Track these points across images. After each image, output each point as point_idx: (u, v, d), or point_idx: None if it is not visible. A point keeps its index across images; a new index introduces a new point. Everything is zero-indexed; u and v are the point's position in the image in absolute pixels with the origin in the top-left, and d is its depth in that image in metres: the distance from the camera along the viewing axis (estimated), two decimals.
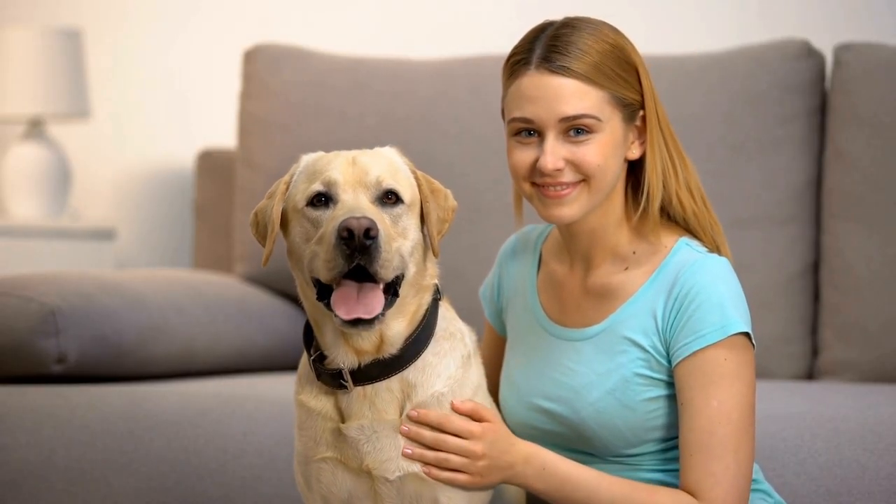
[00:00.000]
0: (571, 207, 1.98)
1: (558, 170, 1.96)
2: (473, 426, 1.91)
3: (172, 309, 2.96)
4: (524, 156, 1.99)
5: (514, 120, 1.99)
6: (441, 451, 1.90)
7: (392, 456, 1.89)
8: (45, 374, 2.76)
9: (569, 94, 1.95)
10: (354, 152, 1.91)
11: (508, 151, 2.01)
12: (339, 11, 4.00)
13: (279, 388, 2.69)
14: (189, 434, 2.64)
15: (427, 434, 1.90)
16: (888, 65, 2.99)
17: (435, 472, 1.90)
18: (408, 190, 1.90)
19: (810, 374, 3.01)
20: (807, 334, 3.01)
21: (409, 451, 1.89)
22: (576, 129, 1.96)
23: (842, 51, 3.04)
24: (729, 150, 3.04)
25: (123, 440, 2.67)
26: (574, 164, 1.96)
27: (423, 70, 3.35)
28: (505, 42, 3.85)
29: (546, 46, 1.97)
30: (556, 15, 2.02)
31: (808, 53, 3.08)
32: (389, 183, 1.88)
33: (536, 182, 1.99)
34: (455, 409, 1.91)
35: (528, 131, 1.98)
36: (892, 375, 2.89)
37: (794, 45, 3.08)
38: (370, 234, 1.79)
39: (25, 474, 2.70)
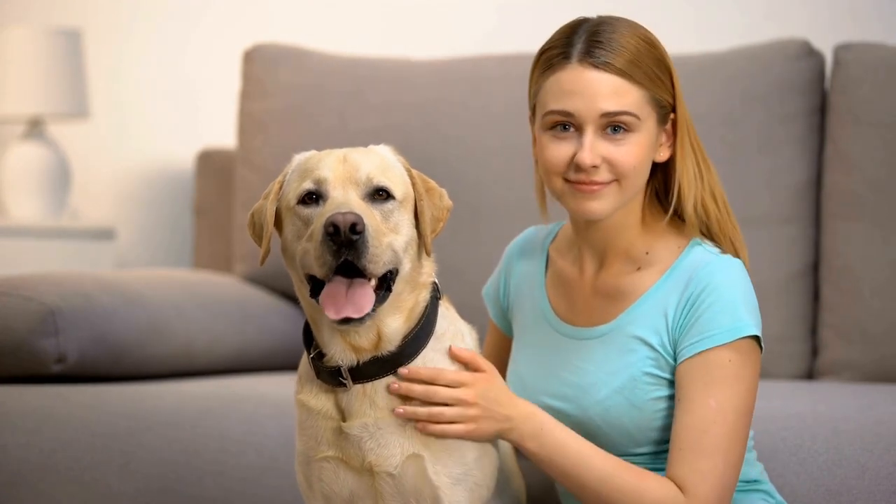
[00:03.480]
0: (602, 203, 1.96)
1: (595, 166, 1.94)
2: (464, 376, 1.91)
3: (172, 309, 2.96)
4: (561, 150, 1.96)
5: (551, 113, 1.96)
6: (433, 404, 1.88)
7: (395, 452, 1.89)
8: (44, 374, 2.76)
9: (610, 89, 1.93)
10: (346, 150, 1.91)
11: (541, 146, 1.98)
12: (339, 11, 4.00)
13: (279, 388, 2.69)
14: (189, 434, 2.64)
15: (417, 388, 1.88)
16: (888, 65, 2.99)
17: (430, 427, 1.88)
18: (399, 186, 1.89)
19: (810, 374, 3.01)
20: (807, 334, 3.00)
21: (402, 410, 1.88)
22: (614, 126, 1.94)
23: (842, 51, 3.04)
24: (729, 150, 3.03)
25: (123, 440, 2.67)
26: (610, 164, 1.95)
27: (423, 70, 3.34)
28: (505, 42, 3.85)
29: (587, 41, 1.95)
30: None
31: (808, 53, 3.08)
32: (380, 180, 1.87)
33: (569, 178, 1.97)
34: (453, 355, 1.92)
35: (564, 125, 1.96)
36: (892, 375, 2.88)
37: (794, 45, 3.08)
38: (356, 229, 1.78)
39: (25, 474, 2.70)
